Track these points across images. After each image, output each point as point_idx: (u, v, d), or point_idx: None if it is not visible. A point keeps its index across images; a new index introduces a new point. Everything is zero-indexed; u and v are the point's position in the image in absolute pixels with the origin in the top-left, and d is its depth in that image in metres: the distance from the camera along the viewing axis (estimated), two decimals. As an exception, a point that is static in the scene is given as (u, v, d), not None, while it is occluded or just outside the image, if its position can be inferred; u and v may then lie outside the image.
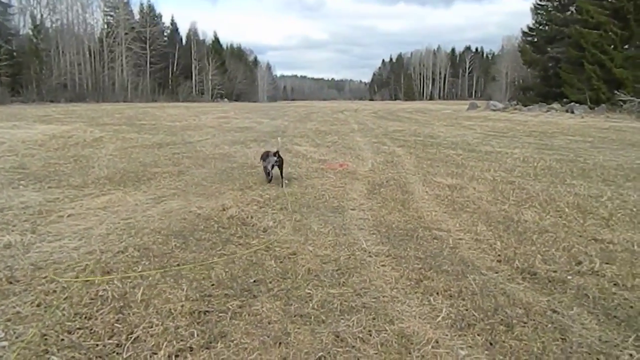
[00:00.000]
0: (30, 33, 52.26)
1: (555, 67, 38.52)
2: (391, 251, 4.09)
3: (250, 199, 5.90)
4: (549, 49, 39.87)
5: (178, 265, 3.70)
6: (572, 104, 32.68)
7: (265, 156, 7.18)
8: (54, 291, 3.20)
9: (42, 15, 56.30)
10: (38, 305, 3.02)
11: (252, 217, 5.08)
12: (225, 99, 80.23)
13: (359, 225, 4.92)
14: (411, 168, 8.67)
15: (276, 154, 7.02)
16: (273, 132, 17.23)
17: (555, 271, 3.72)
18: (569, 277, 3.60)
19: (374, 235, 4.58)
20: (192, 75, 79.52)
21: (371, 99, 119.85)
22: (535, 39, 43.05)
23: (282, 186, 6.75)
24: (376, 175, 7.79)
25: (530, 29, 44.18)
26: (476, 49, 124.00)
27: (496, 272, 3.69)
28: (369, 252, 4.06)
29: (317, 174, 7.81)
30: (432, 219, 5.17)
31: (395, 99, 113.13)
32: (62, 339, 2.66)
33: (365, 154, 10.75)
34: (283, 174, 7.05)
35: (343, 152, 10.83)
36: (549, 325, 2.91)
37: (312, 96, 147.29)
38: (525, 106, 36.58)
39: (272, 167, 7.04)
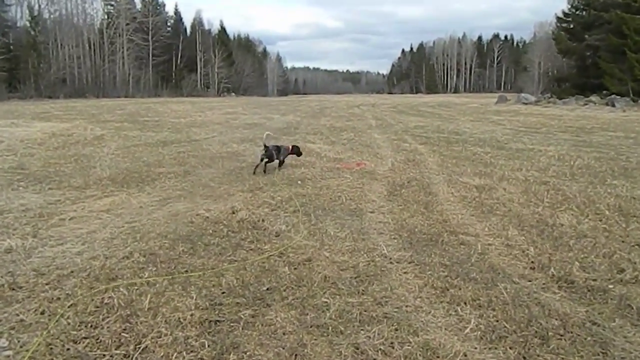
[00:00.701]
0: (28, 25, 53.17)
1: (594, 56, 38.05)
2: (414, 257, 4.10)
3: (262, 201, 5.95)
4: (586, 36, 39.40)
5: (186, 271, 3.76)
6: (613, 96, 32.26)
7: (277, 149, 8.14)
8: (58, 298, 3.28)
9: (39, 6, 57.32)
10: (42, 313, 3.10)
11: (263, 221, 5.13)
12: (233, 93, 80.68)
13: (379, 229, 4.93)
14: (435, 167, 8.66)
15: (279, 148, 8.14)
16: (284, 128, 17.31)
17: (594, 279, 3.70)
18: (610, 286, 3.58)
19: (395, 240, 4.59)
20: (197, 68, 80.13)
21: (390, 92, 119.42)
22: (571, 25, 42.59)
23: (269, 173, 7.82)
24: (396, 175, 7.80)
25: (565, 14, 43.71)
26: (505, 37, 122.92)
27: (529, 281, 3.68)
28: (390, 259, 4.07)
29: (333, 174, 7.84)
30: (459, 222, 5.17)
31: (416, 92, 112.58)
32: (68, 349, 2.72)
33: (384, 152, 10.75)
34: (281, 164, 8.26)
35: (360, 151, 10.85)
36: (588, 338, 2.90)
37: (326, 89, 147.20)
38: (560, 99, 36.20)
39: (262, 159, 7.95)
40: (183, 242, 4.42)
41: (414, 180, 7.39)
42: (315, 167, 8.57)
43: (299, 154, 8.73)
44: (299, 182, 7.22)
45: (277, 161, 8.24)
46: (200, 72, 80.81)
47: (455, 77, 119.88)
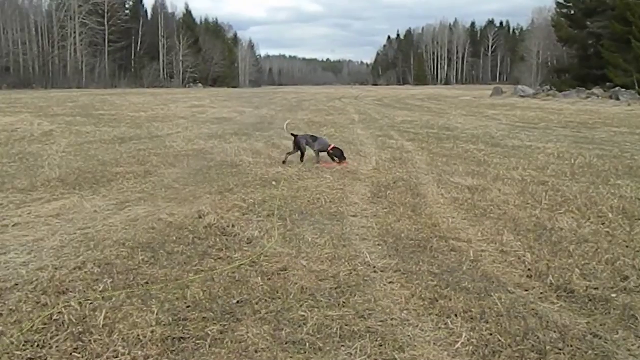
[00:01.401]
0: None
1: (596, 45, 38.74)
2: (400, 266, 4.13)
3: (232, 205, 5.93)
4: (588, 23, 40.09)
5: (147, 283, 3.73)
6: (617, 89, 32.83)
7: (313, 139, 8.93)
8: (0, 314, 3.22)
9: (-22, -15, 56.15)
10: (-20, 332, 3.04)
11: (233, 226, 5.11)
12: (200, 84, 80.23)
13: (362, 235, 4.95)
14: (423, 166, 8.74)
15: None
16: (258, 123, 17.28)
17: (596, 288, 3.76)
18: (613, 295, 3.64)
19: (379, 246, 4.62)
20: (159, 56, 79.47)
21: (375, 84, 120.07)
22: (572, 12, 43.28)
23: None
24: (382, 175, 7.85)
25: (566, -1, 44.43)
26: (501, 24, 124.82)
27: (526, 290, 3.73)
28: (374, 267, 4.09)
29: (311, 174, 7.85)
30: (449, 227, 5.22)
31: (403, 84, 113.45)
32: (10, 372, 2.68)
33: (368, 149, 10.81)
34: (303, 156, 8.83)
35: (342, 148, 10.86)
36: (589, 352, 2.95)
37: (304, 80, 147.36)
38: (561, 92, 36.79)
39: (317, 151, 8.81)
40: (143, 250, 4.38)
41: (401, 181, 7.44)
42: (291, 166, 8.57)
43: (339, 158, 8.72)
44: (274, 182, 7.21)
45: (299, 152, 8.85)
46: (163, 61, 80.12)
47: (446, 67, 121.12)
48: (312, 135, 9.18)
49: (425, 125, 16.71)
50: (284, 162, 8.73)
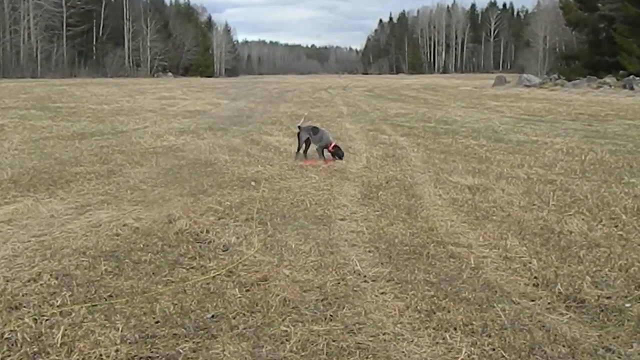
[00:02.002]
0: None
1: (608, 29, 39.15)
2: (393, 274, 4.14)
3: (206, 208, 5.91)
4: (599, 5, 40.49)
5: (110, 296, 3.70)
6: (631, 77, 33.12)
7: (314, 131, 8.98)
8: (-58, 334, 3.18)
9: None
10: None
11: (208, 232, 5.10)
12: (170, 73, 79.87)
13: (351, 240, 4.96)
14: (419, 164, 8.78)
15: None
16: (235, 117, 17.24)
17: (609, 297, 3.80)
18: (627, 305, 3.68)
19: (370, 253, 4.63)
20: (124, 42, 78.95)
21: (365, 73, 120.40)
22: (581, -8, 43.62)
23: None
24: (373, 174, 7.87)
25: (574, -22, 44.78)
26: (504, 6, 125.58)
27: (532, 300, 3.76)
28: (364, 276, 4.10)
29: (294, 173, 7.85)
30: (448, 231, 5.25)
31: (397, 73, 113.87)
32: (-45, 398, 2.65)
33: (358, 145, 10.83)
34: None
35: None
36: (600, 367, 2.98)
37: (287, 69, 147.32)
38: (569, 80, 37.12)
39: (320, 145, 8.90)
40: (106, 259, 4.35)
41: (394, 180, 7.47)
42: (273, 164, 8.57)
43: (339, 155, 8.77)
44: (253, 183, 7.20)
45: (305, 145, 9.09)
46: (129, 47, 79.60)
47: (444, 54, 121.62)
48: (314, 127, 9.19)
49: (420, 119, 16.78)
50: (297, 157, 8.98)
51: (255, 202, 6.17)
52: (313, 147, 9.04)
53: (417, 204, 6.24)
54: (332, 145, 8.82)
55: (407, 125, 14.86)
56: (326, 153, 8.82)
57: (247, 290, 3.83)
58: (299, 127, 9.24)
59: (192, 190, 6.83)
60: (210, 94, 30.49)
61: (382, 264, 4.37)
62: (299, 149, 9.05)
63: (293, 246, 4.73)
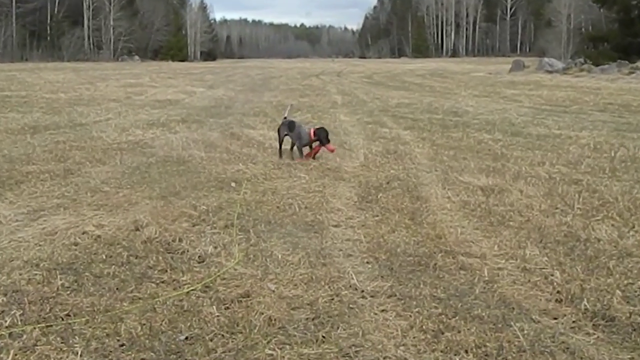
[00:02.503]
0: None
1: (641, 7, 39.22)
2: (395, 289, 4.14)
3: (179, 213, 5.90)
4: (631, -22, 40.56)
5: (68, 315, 3.68)
6: (668, 61, 33.18)
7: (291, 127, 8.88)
8: None
9: None
10: None
11: (181, 240, 5.08)
12: (137, 57, 79.63)
13: (346, 250, 4.96)
14: (425, 162, 8.79)
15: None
16: (212, 107, 17.21)
17: (641, 314, 3.81)
18: (662, 323, 3.69)
19: (368, 265, 4.63)
20: (83, 21, 78.55)
21: (362, 57, 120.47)
22: (611, -36, 43.77)
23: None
24: (371, 174, 7.88)
25: (603, -52, 44.91)
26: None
27: (554, 318, 3.77)
28: (362, 291, 4.10)
29: (281, 172, 7.85)
30: (458, 238, 5.25)
31: (399, 57, 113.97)
32: None
33: (354, 140, 10.84)
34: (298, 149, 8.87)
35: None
36: (632, 395, 2.99)
37: (272, 52, 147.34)
38: (597, 65, 37.16)
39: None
40: (63, 273, 4.33)
41: (396, 180, 7.48)
42: (256, 162, 8.56)
43: (321, 140, 8.55)
44: (233, 184, 7.19)
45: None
46: (89, 27, 79.29)
47: (453, 35, 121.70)
48: (290, 122, 8.96)
49: (426, 109, 16.81)
50: (281, 155, 8.99)
51: (235, 205, 6.17)
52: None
53: (423, 207, 6.25)
54: (312, 131, 8.62)
55: (411, 117, 14.89)
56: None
57: (227, 308, 3.82)
58: (285, 118, 9.21)
59: (162, 192, 6.81)
60: (183, 81, 30.43)
61: (382, 277, 4.37)
62: (280, 146, 9.04)
63: (279, 257, 4.72)
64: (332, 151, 8.68)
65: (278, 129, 9.11)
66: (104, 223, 5.53)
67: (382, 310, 3.83)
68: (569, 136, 11.51)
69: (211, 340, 3.41)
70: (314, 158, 8.67)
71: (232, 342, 3.40)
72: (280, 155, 8.93)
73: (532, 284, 4.27)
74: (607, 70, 35.03)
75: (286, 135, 8.91)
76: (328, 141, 8.57)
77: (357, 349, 3.34)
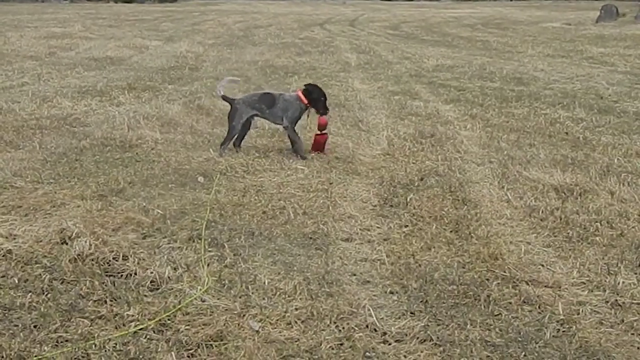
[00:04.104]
0: None
1: None
2: (431, 330, 4.15)
3: (123, 219, 5.91)
4: None
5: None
6: None
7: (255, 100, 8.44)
8: None
9: None
10: None
11: (126, 258, 5.08)
12: (65, -4, 79.53)
13: (362, 274, 4.98)
14: (474, 149, 8.79)
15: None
16: (171, 68, 17.18)
17: None
18: None
19: (393, 296, 4.64)
20: (-12, -58, 78.58)
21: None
22: None
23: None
24: (398, 166, 7.88)
25: None
26: None
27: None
28: (384, 333, 4.11)
29: (269, 162, 7.85)
30: (521, 260, 5.25)
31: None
32: None
33: (373, 118, 10.83)
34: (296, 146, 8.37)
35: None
36: None
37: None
38: None
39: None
40: (-42, 302, 4.35)
41: (433, 176, 7.48)
42: (233, 147, 8.52)
43: (323, 108, 8.26)
44: (201, 178, 7.20)
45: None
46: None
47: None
48: (264, 95, 8.58)
49: (478, 75, 16.76)
50: (222, 152, 8.47)
51: (204, 210, 6.19)
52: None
53: (471, 215, 6.26)
54: (298, 92, 8.36)
55: (455, 85, 14.86)
56: (312, 115, 8.46)
57: (191, 356, 3.84)
58: (225, 97, 8.53)
59: (99, 189, 6.82)
60: (130, 31, 30.35)
61: (412, 313, 4.38)
62: (228, 138, 8.51)
63: (266, 283, 4.73)
64: (324, 126, 8.29)
65: (229, 113, 8.45)
66: (17, 232, 5.52)
67: (413, 360, 3.84)
68: (681, 115, 11.47)
69: (169, 401, 3.43)
70: (322, 151, 8.41)
71: (199, 404, 3.42)
72: (223, 148, 8.46)
73: (627, 326, 4.27)
74: None
75: (253, 117, 8.43)
76: (327, 110, 8.33)
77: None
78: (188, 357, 3.82)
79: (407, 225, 5.94)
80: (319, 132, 8.26)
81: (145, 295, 4.55)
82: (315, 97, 8.16)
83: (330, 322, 4.21)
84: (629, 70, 18.37)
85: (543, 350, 3.95)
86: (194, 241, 5.47)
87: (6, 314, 4.25)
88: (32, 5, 60.91)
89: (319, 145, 8.36)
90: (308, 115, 8.41)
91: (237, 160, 7.87)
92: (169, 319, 4.22)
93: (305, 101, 8.16)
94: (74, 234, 5.42)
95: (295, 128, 8.32)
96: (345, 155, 8.23)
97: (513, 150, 8.70)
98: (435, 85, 14.76)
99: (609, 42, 27.61)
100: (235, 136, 8.38)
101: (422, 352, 3.91)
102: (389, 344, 4.00)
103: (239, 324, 4.17)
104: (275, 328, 4.14)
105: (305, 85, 8.49)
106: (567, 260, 5.25)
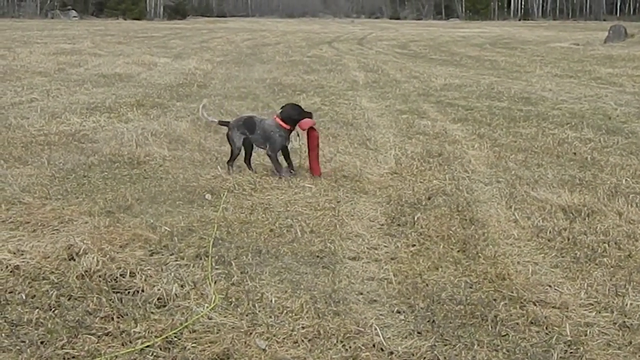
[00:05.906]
0: None
1: None
2: (438, 351, 4.14)
3: (130, 236, 5.91)
4: None
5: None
6: None
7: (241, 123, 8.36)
8: None
9: None
10: None
11: (133, 275, 5.08)
12: (73, 12, 79.97)
13: (369, 293, 4.97)
14: (482, 169, 8.79)
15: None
16: (179, 85, 17.22)
17: None
18: None
19: (400, 315, 4.63)
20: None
21: (395, 17, 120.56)
22: None
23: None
24: (406, 185, 7.88)
25: None
26: None
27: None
28: (391, 353, 4.10)
29: (277, 181, 7.85)
30: (528, 280, 5.24)
31: (446, 18, 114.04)
32: None
33: (381, 136, 10.84)
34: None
35: (334, 133, 10.90)
36: None
37: (266, 8, 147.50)
38: None
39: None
40: (-35, 318, 4.35)
41: (441, 195, 7.49)
42: (241, 164, 8.52)
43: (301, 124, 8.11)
44: (208, 196, 7.21)
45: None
46: (6, -32, 79.63)
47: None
48: (247, 119, 8.45)
49: (486, 94, 16.77)
50: (231, 170, 8.43)
51: (211, 227, 6.20)
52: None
53: (479, 234, 6.25)
54: (275, 117, 8.19)
55: (463, 104, 14.87)
56: (302, 135, 8.38)
57: (197, 374, 3.83)
58: (221, 122, 8.78)
59: (107, 205, 6.83)
60: (139, 48, 30.47)
61: (419, 333, 4.37)
62: (232, 158, 8.52)
63: (273, 301, 4.73)
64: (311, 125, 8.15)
65: (227, 134, 8.51)
66: (25, 248, 5.52)
67: (420, 382, 3.83)
68: (690, 136, 11.46)
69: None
70: (315, 172, 8.24)
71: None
72: (231, 167, 8.46)
73: (635, 348, 4.26)
74: None
75: (246, 138, 8.31)
76: (310, 114, 8.26)
77: None
78: (195, 375, 3.82)
79: (415, 245, 5.94)
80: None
81: (152, 312, 4.55)
82: (296, 118, 8.06)
83: (337, 341, 4.21)
84: (637, 90, 18.38)
85: (550, 371, 3.94)
86: (201, 258, 5.47)
87: (13, 330, 4.24)
88: (42, 22, 61.34)
89: (315, 140, 8.18)
90: (299, 135, 8.39)
91: (244, 178, 7.89)
92: (175, 337, 4.21)
93: (287, 126, 8.07)
94: (81, 250, 5.44)
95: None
96: (353, 173, 8.24)
97: (521, 170, 8.71)
98: (443, 105, 14.79)
99: (617, 62, 27.66)
100: (238, 155, 8.35)
101: (429, 372, 3.91)
102: (396, 364, 3.99)
103: (245, 342, 4.17)
104: (282, 346, 4.14)
105: (281, 108, 8.36)
106: (575, 281, 5.24)
